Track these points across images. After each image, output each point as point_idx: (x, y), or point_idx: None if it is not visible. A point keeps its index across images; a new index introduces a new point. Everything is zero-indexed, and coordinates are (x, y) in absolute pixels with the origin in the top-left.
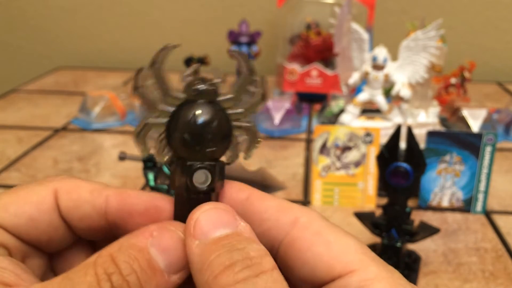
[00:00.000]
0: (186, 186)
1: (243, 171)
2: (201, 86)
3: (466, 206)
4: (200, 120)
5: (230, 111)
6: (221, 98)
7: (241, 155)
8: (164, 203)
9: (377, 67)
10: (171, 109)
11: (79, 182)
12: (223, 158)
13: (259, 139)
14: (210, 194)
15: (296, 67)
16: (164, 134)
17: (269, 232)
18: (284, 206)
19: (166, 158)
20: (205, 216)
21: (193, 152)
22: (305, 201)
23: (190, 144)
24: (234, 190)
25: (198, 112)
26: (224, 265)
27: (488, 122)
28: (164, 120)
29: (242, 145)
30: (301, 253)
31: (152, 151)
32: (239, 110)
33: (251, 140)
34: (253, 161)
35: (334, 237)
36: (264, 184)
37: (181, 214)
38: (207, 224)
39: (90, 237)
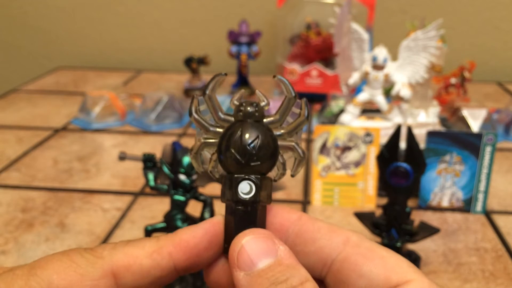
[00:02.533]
0: (232, 197)
1: None
2: (248, 109)
3: (466, 206)
4: (246, 137)
5: (275, 132)
6: (267, 119)
7: (288, 172)
8: (218, 225)
9: (377, 67)
10: (220, 130)
11: (132, 251)
12: (271, 175)
13: (302, 157)
14: (257, 208)
15: (296, 67)
16: (216, 152)
17: (322, 250)
18: (334, 227)
19: (217, 175)
20: (248, 246)
21: (240, 167)
22: (305, 201)
23: (237, 159)
24: (286, 210)
25: (245, 130)
26: None
27: (488, 122)
28: (216, 140)
29: (289, 163)
30: (358, 267)
31: (206, 168)
32: (284, 130)
33: (296, 158)
34: None
35: (385, 253)
36: None
37: (229, 226)
38: (250, 255)
39: None
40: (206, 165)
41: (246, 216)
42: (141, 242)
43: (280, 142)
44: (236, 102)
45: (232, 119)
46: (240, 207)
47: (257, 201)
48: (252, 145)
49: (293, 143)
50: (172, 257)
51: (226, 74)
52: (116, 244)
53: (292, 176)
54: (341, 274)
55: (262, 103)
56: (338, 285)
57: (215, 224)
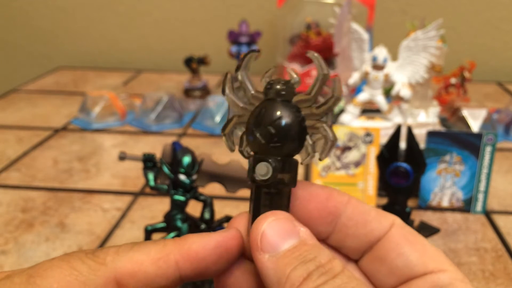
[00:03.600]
0: (250, 177)
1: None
2: (277, 87)
3: (466, 206)
4: (268, 117)
5: (306, 111)
6: (297, 98)
7: (317, 155)
8: (232, 241)
9: (377, 67)
10: (251, 107)
11: (137, 256)
12: (298, 157)
13: (333, 140)
14: (278, 190)
15: (296, 67)
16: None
17: (372, 233)
18: (381, 211)
19: (246, 154)
20: (270, 228)
21: (262, 148)
22: None
23: (258, 140)
24: (337, 193)
25: (268, 110)
26: (302, 276)
27: (488, 122)
28: (245, 118)
29: (317, 145)
30: (399, 247)
31: (237, 147)
32: (315, 110)
33: (325, 141)
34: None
35: (426, 242)
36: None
37: (251, 206)
38: (274, 237)
39: None
40: (237, 144)
41: (267, 197)
42: (146, 247)
43: (308, 123)
44: (266, 79)
45: (262, 96)
46: (259, 188)
47: (274, 182)
48: (273, 125)
49: (323, 125)
50: (179, 266)
51: (259, 51)
52: (120, 248)
53: (320, 160)
54: (381, 251)
55: (293, 81)
56: (375, 262)
57: (229, 239)
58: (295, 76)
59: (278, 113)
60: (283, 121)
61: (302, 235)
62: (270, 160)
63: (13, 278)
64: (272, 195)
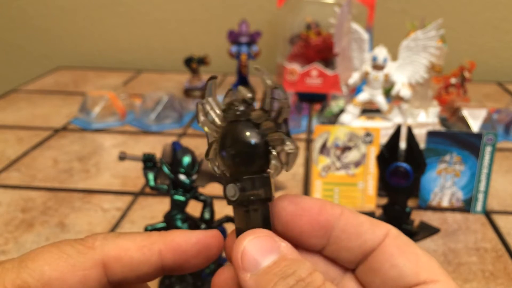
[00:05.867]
0: (226, 199)
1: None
2: (234, 108)
3: (466, 206)
4: (229, 139)
5: (264, 126)
6: (254, 115)
7: (284, 166)
8: (212, 239)
9: (377, 67)
10: (219, 130)
11: (123, 243)
12: (270, 171)
13: (294, 149)
14: (257, 208)
15: (296, 67)
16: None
17: (366, 244)
18: (375, 220)
19: (224, 175)
20: (250, 246)
21: (230, 169)
22: None
23: (225, 162)
24: (329, 206)
25: (228, 132)
26: None
27: (488, 122)
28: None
29: (282, 157)
30: (392, 258)
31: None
32: (272, 123)
33: (289, 151)
34: None
35: (420, 251)
36: None
37: (235, 226)
38: (254, 255)
39: (142, 285)
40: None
41: (246, 215)
42: (132, 235)
43: (270, 137)
44: (225, 101)
45: (224, 120)
46: (235, 208)
47: (246, 201)
48: (235, 147)
49: (283, 136)
50: (161, 255)
51: (216, 77)
52: (107, 234)
53: (286, 170)
54: (375, 262)
55: (248, 100)
56: (369, 273)
57: (209, 237)
58: (248, 94)
59: (239, 134)
60: (245, 142)
61: (282, 249)
62: (236, 182)
63: (4, 264)
64: (249, 213)
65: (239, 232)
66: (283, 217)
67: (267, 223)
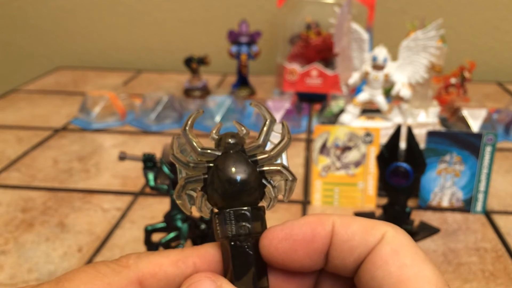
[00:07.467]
0: (217, 235)
1: None
2: (229, 141)
3: (466, 206)
4: (222, 173)
5: (260, 156)
6: (248, 146)
7: (281, 197)
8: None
9: (377, 67)
10: (201, 165)
11: (157, 259)
12: (264, 203)
13: (292, 180)
14: (251, 239)
15: (296, 67)
16: (202, 189)
17: (360, 257)
18: (368, 227)
19: (207, 212)
20: None
21: (222, 203)
22: (305, 201)
23: (218, 197)
24: (320, 227)
25: (221, 165)
26: None
27: (488, 122)
28: (199, 176)
29: (279, 188)
30: (374, 269)
31: (195, 207)
32: (267, 155)
33: (285, 182)
34: None
35: (410, 261)
36: None
37: (226, 262)
38: None
39: None
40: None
41: (236, 251)
42: (166, 252)
43: (266, 168)
44: (215, 136)
45: (213, 152)
46: (224, 243)
47: (241, 235)
48: (229, 181)
49: (279, 167)
50: (196, 267)
51: (203, 111)
52: (141, 253)
53: (284, 200)
54: (369, 272)
55: (241, 134)
56: (359, 283)
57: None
58: (243, 129)
59: (233, 168)
60: (239, 175)
61: None
62: (231, 215)
63: (42, 286)
64: (241, 247)
65: (226, 266)
66: (279, 255)
67: (258, 256)
